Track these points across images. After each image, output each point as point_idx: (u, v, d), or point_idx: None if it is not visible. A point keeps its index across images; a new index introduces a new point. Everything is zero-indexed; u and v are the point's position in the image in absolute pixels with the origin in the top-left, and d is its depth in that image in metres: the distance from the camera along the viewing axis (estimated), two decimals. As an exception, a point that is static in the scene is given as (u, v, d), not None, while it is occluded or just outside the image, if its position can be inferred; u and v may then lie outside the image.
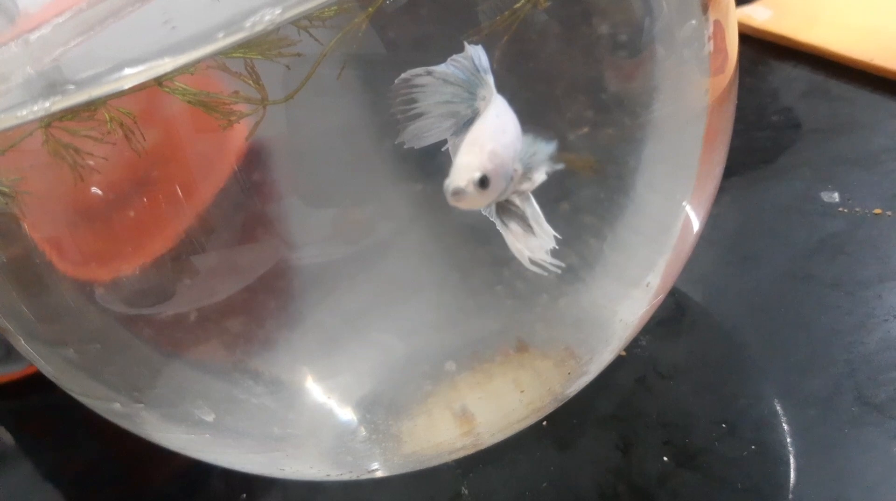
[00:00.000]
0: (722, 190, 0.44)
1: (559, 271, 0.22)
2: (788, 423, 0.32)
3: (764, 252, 0.40)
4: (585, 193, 0.29)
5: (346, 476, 0.32)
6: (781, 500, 0.29)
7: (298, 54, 0.25)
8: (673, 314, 0.39)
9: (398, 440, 0.30)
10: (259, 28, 0.21)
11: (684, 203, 0.32)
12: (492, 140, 0.21)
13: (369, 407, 0.30)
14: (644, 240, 0.31)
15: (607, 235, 0.29)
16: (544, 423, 0.36)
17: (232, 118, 0.26)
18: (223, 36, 0.21)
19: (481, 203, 0.21)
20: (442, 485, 0.35)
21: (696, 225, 0.33)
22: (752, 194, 0.43)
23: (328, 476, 0.32)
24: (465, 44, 0.22)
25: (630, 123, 0.29)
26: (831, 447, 0.30)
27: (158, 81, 0.24)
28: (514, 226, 0.22)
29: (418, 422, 0.30)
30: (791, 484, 0.30)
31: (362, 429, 0.30)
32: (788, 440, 0.31)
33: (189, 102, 0.25)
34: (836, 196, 0.41)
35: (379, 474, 0.32)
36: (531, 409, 0.31)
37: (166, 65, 0.23)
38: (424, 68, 0.22)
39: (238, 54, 0.25)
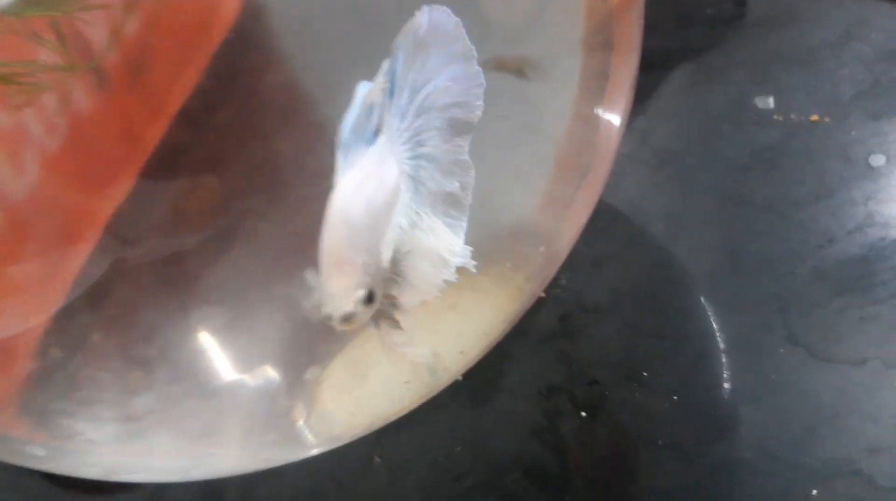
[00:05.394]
0: (651, 99, 0.40)
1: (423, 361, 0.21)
2: (713, 370, 0.30)
3: (694, 170, 0.36)
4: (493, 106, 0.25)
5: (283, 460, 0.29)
6: (702, 458, 0.28)
7: (105, 6, 0.21)
8: (595, 245, 0.36)
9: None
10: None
11: (596, 110, 0.28)
12: (357, 250, 0.19)
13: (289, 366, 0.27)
14: (549, 151, 0.28)
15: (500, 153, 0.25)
16: (460, 378, 0.33)
17: (33, 91, 0.22)
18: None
19: (370, 315, 0.19)
20: (354, 453, 0.33)
21: (611, 139, 0.29)
22: (682, 103, 0.39)
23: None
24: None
25: (525, 28, 0.25)
26: (757, 397, 0.29)
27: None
28: (383, 324, 0.21)
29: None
30: (713, 440, 0.28)
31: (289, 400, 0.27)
32: (713, 391, 0.29)
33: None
34: (770, 102, 0.37)
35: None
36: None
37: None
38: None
39: (34, 13, 0.21)
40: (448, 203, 0.21)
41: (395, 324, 0.21)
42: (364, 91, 0.19)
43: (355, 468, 0.32)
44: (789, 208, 0.33)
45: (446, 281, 0.21)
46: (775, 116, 0.37)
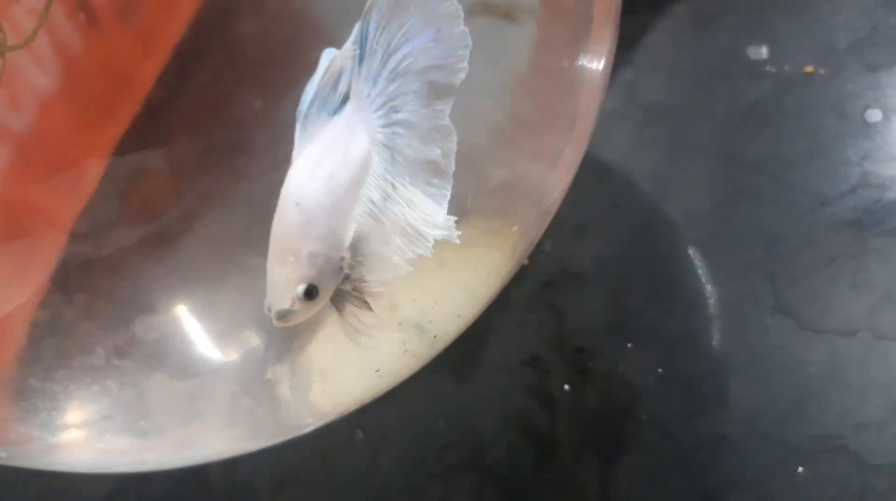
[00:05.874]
0: (639, 49, 0.38)
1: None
2: (699, 341, 0.29)
3: (682, 128, 0.35)
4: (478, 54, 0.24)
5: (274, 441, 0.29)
6: (686, 434, 0.27)
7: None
8: (579, 209, 0.35)
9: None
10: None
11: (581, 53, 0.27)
12: (309, 237, 0.17)
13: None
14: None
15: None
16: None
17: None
18: None
19: (314, 311, 0.18)
20: (336, 428, 0.32)
21: (596, 83, 0.28)
22: (672, 53, 0.37)
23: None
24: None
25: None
26: (743, 370, 0.28)
27: None
28: (349, 307, 0.19)
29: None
30: (697, 415, 0.27)
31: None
32: (698, 363, 0.29)
33: None
34: (764, 52, 0.35)
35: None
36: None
37: None
38: None
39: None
40: (429, 172, 0.20)
41: (364, 305, 0.20)
42: (329, 59, 0.18)
43: (338, 443, 0.32)
44: (781, 168, 0.32)
45: (420, 256, 0.20)
46: (768, 68, 0.35)
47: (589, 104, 0.29)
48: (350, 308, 0.20)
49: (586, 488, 0.28)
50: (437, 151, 0.19)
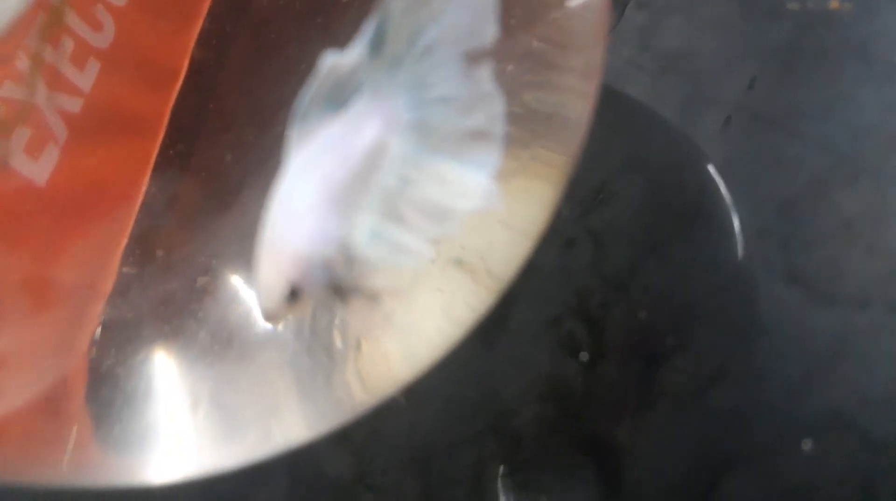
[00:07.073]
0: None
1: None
2: (710, 310, 0.29)
3: (699, 81, 0.33)
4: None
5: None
6: (694, 405, 0.28)
7: None
8: (595, 171, 0.34)
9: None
10: None
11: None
12: (291, 239, 0.17)
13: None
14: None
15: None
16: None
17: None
18: None
19: (301, 310, 0.19)
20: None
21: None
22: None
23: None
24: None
25: None
26: (751, 340, 0.28)
27: None
28: (357, 303, 0.19)
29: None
30: (704, 387, 0.28)
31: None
32: (708, 332, 0.29)
33: None
34: (786, -14, 0.33)
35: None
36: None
37: None
38: None
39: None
40: (471, 140, 0.19)
41: (368, 300, 0.20)
42: (331, 62, 0.17)
43: (383, 409, 0.34)
44: (797, 122, 0.31)
45: (445, 235, 0.20)
46: (790, 5, 0.33)
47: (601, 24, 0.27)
48: (357, 303, 0.20)
49: (608, 448, 0.29)
50: (481, 118, 0.19)
